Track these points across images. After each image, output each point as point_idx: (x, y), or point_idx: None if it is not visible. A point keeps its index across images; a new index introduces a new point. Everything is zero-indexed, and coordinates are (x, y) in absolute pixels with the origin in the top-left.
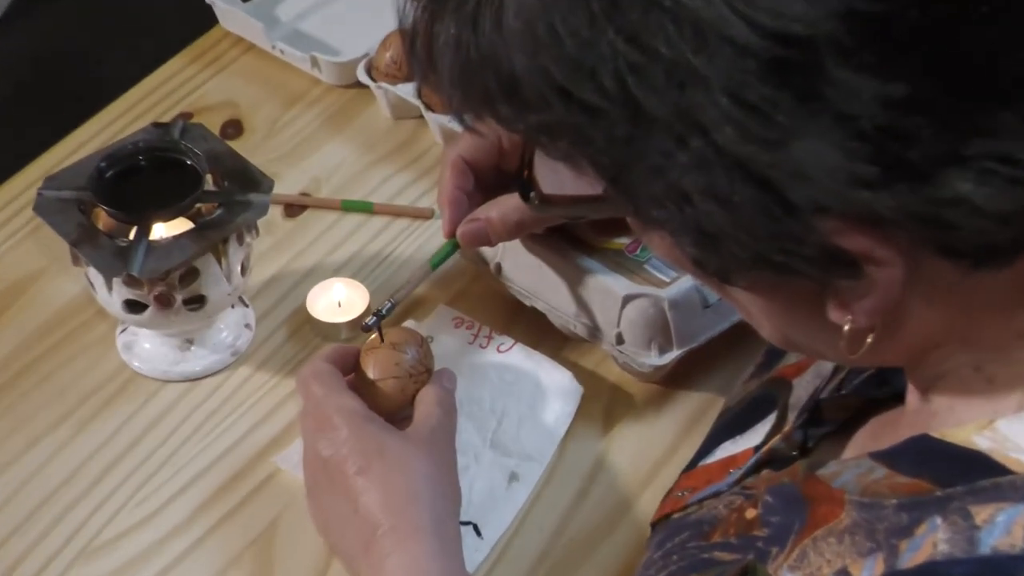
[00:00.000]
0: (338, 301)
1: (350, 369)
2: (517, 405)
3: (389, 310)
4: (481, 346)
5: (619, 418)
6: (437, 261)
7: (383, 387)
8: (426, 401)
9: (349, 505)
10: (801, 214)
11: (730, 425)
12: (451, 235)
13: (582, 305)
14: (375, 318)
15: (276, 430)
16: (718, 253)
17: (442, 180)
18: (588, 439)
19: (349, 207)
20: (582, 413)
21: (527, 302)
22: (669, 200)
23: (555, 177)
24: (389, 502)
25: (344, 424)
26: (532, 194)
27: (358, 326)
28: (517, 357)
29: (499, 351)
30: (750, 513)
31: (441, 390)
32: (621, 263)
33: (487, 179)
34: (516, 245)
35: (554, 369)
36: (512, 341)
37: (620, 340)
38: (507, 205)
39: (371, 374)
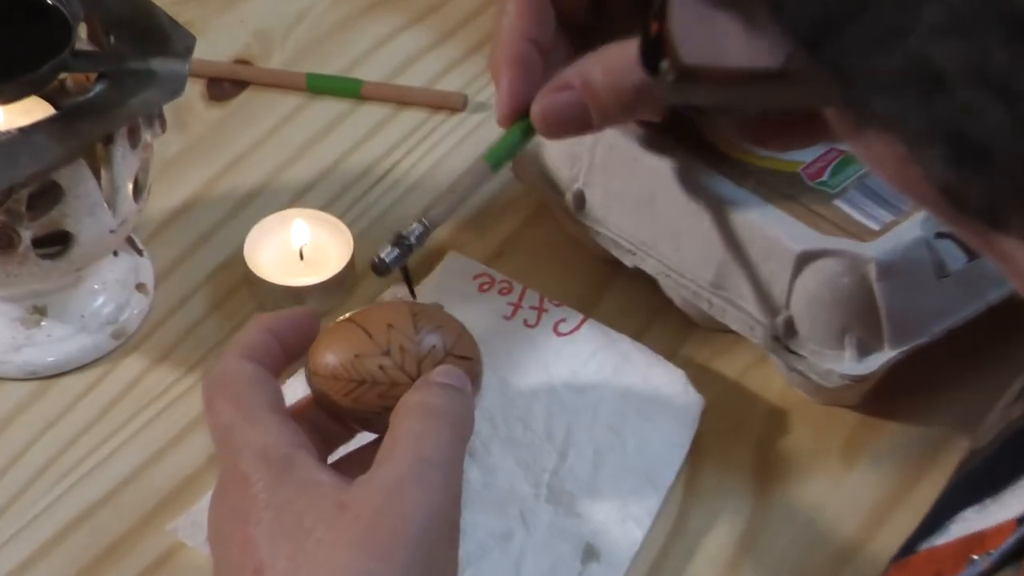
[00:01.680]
0: (299, 248)
1: (304, 348)
2: (591, 427)
3: (421, 237)
4: (527, 323)
5: (784, 465)
6: (497, 156)
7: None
8: (402, 418)
9: None
10: None
11: (976, 480)
12: (515, 116)
13: (724, 267)
14: (396, 250)
15: (184, 470)
16: (988, 177)
17: (501, 24)
18: (729, 499)
19: (320, 87)
20: (721, 454)
21: (627, 260)
22: (906, 83)
23: (707, 35)
24: None
25: (252, 477)
26: (664, 63)
27: (333, 291)
28: (590, 343)
29: (558, 332)
30: None
31: (434, 392)
32: (794, 195)
33: (578, 22)
34: (610, 163)
35: (653, 364)
36: (580, 316)
37: (789, 330)
38: (619, 59)
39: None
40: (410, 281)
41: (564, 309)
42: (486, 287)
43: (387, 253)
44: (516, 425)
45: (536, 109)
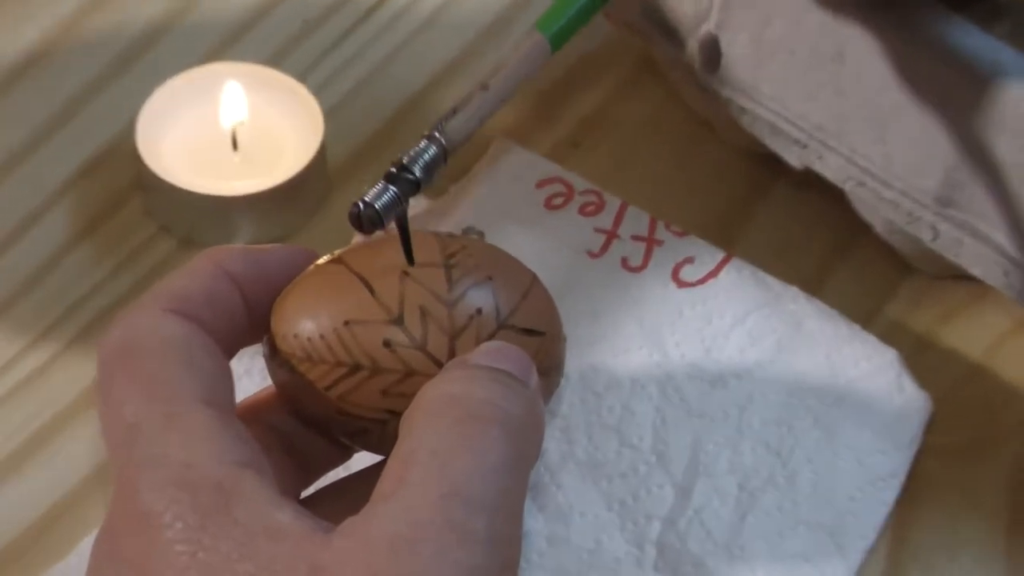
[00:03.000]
0: (231, 130)
1: (268, 300)
2: (735, 445)
3: (432, 165)
4: (628, 265)
5: None
6: (560, 26)
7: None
8: (420, 423)
9: None
10: None
11: None
12: None
13: (958, 171)
14: (391, 190)
15: (35, 506)
16: None
17: None
18: (966, 562)
19: None
20: (953, 488)
21: (793, 156)
22: None
23: None
24: None
25: (165, 516)
26: None
27: (289, 206)
28: (735, 300)
29: (680, 281)
30: None
31: (475, 381)
32: None
33: None
34: None
35: (845, 337)
36: (719, 253)
37: None
38: None
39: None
40: (408, 238)
41: (691, 241)
42: (559, 201)
43: (376, 194)
44: (607, 440)
45: None
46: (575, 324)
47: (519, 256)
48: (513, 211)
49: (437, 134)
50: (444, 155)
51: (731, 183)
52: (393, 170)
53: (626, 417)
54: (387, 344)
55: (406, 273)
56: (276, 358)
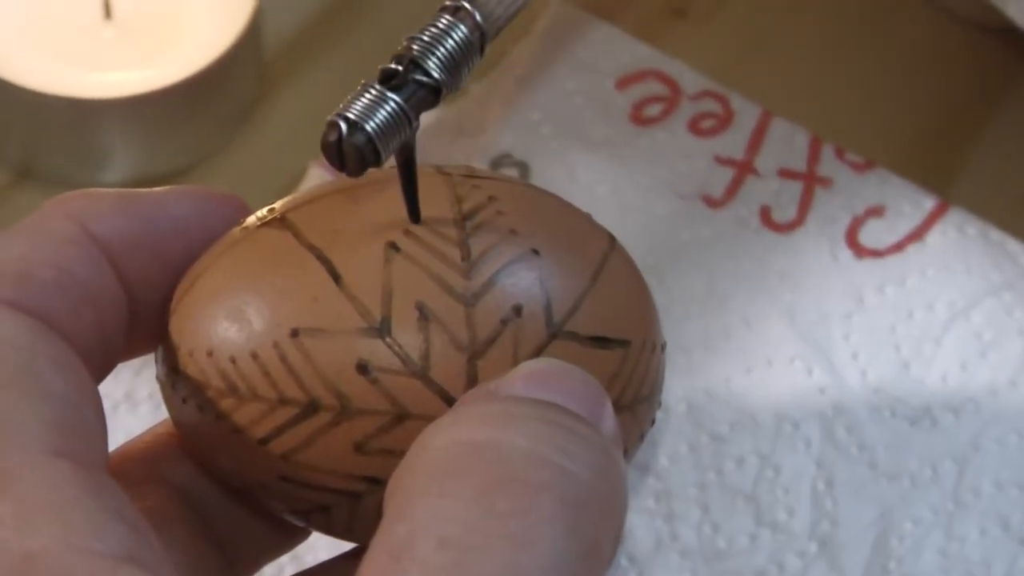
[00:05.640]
0: None
1: (164, 284)
2: (952, 522)
3: (458, 53)
4: (772, 219)
5: None
6: None
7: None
8: (420, 491)
9: None
10: None
11: None
12: None
13: None
14: (393, 102)
15: None
16: None
17: None
18: None
19: None
20: None
21: None
22: None
23: None
24: None
25: None
26: None
27: (202, 118)
28: (957, 278)
29: (860, 247)
30: None
31: (508, 420)
32: None
33: None
34: None
35: None
36: (930, 200)
37: None
38: None
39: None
40: (414, 183)
41: (880, 178)
42: (656, 111)
43: (368, 108)
44: (734, 516)
45: None
46: (682, 321)
47: (589, 207)
48: (579, 127)
49: (467, 4)
50: (481, 41)
51: (949, 79)
52: (394, 66)
53: (767, 476)
54: (363, 369)
55: (394, 246)
56: (179, 387)
